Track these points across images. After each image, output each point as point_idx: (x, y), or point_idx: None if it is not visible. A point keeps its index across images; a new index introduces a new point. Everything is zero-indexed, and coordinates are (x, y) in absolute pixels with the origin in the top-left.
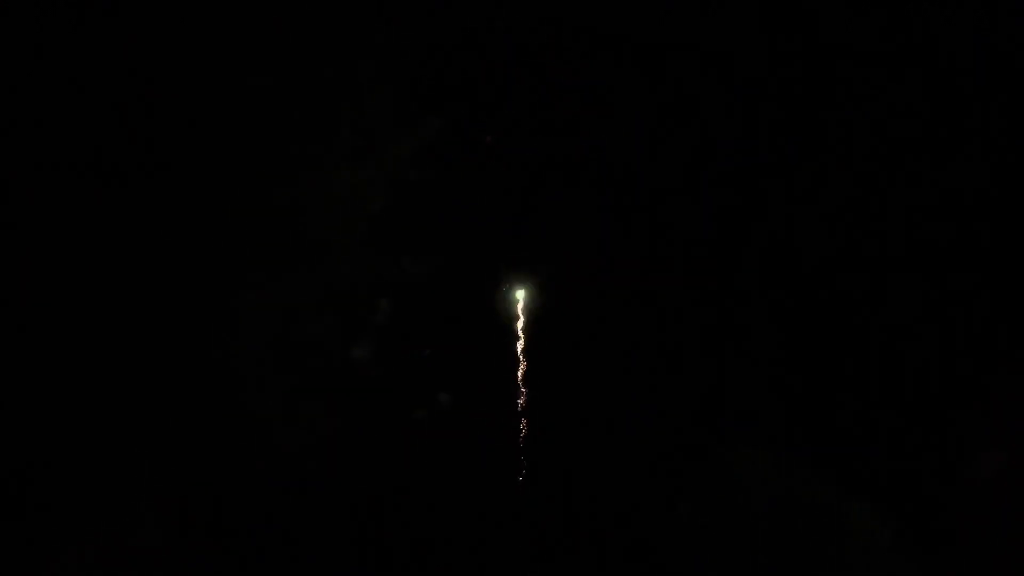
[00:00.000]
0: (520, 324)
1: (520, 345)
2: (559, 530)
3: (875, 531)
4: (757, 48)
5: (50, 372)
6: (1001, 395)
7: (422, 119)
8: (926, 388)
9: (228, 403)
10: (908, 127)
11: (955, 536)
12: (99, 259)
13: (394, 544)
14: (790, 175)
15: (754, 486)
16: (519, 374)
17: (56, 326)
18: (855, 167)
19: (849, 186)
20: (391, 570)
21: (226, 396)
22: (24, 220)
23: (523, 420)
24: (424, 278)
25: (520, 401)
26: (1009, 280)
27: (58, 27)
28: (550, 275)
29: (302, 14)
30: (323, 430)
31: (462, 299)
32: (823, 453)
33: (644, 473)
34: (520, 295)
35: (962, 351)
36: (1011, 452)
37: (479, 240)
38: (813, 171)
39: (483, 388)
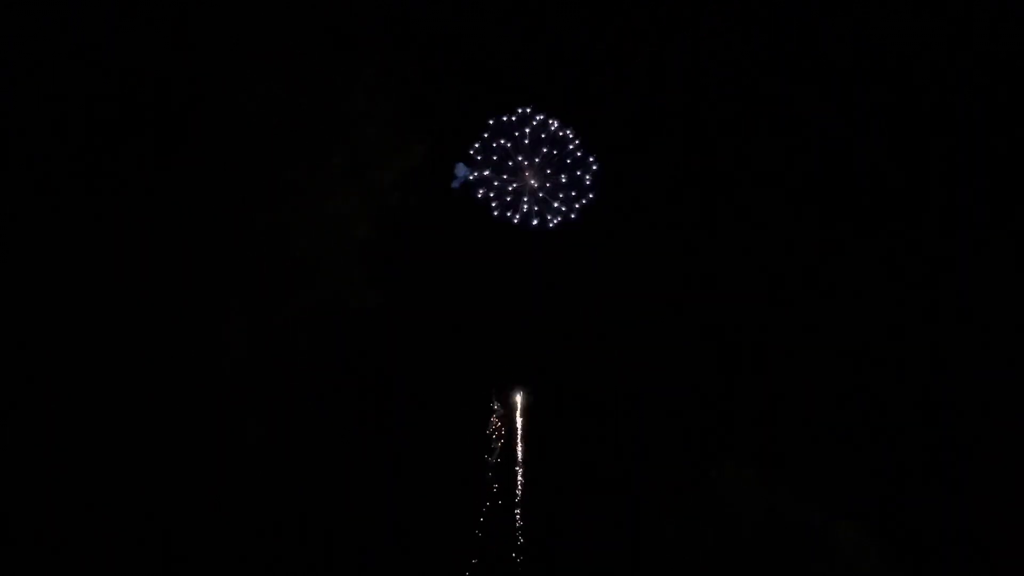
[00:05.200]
0: (509, 341)
1: (510, 361)
2: (546, 550)
3: (862, 549)
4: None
5: (48, 380)
6: (990, 413)
7: (408, 147)
8: (914, 406)
9: (214, 414)
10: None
11: (942, 554)
12: (92, 275)
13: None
14: (779, 185)
15: (740, 504)
16: (510, 390)
17: (53, 339)
18: (832, 172)
19: (844, 193)
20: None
21: (212, 407)
22: (20, 239)
23: (511, 438)
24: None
25: (507, 417)
26: (1005, 293)
27: (53, 49)
28: (539, 294)
29: (295, 45)
30: (305, 442)
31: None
32: (809, 471)
33: (631, 492)
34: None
35: (951, 368)
36: (999, 471)
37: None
38: (803, 180)
39: (470, 400)
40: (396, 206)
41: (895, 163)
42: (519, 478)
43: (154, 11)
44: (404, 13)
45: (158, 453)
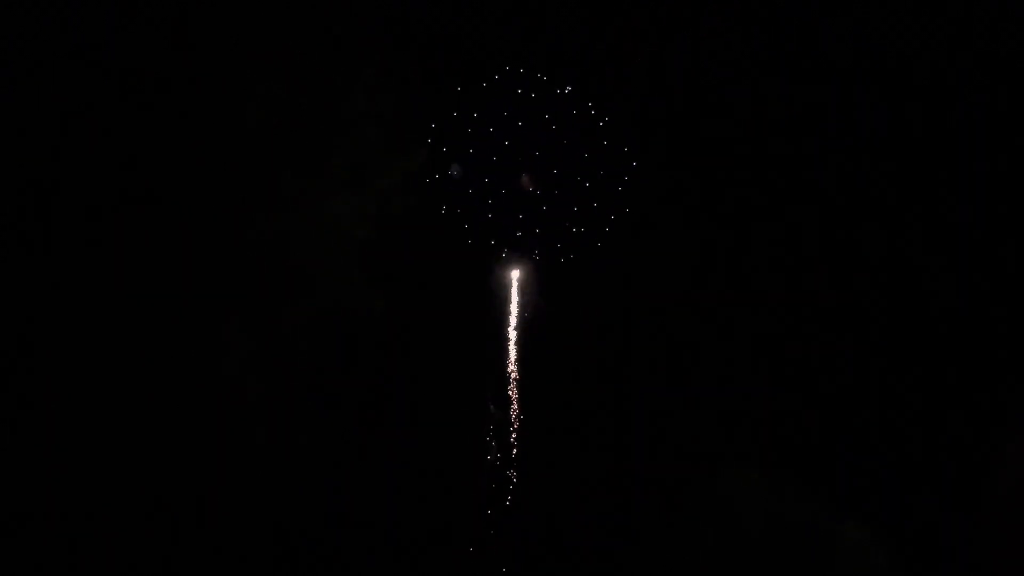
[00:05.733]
0: (511, 350)
1: (510, 368)
2: (548, 550)
3: (869, 551)
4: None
5: (47, 384)
6: (1000, 412)
7: (409, 151)
8: (922, 406)
9: (215, 420)
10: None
11: (952, 557)
12: (90, 278)
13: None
14: (790, 186)
15: (746, 506)
16: (508, 395)
17: (51, 344)
18: (839, 170)
19: (845, 192)
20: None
21: (214, 413)
22: (17, 242)
23: (512, 441)
24: (408, 305)
25: (509, 422)
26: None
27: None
28: (537, 299)
29: (294, 49)
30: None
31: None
32: (816, 472)
33: (636, 492)
34: (511, 317)
35: (960, 365)
36: (1009, 471)
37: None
38: (807, 186)
39: (471, 407)
40: (398, 209)
41: (895, 163)
42: (513, 479)
43: (154, 11)
44: (404, 13)
45: (158, 458)
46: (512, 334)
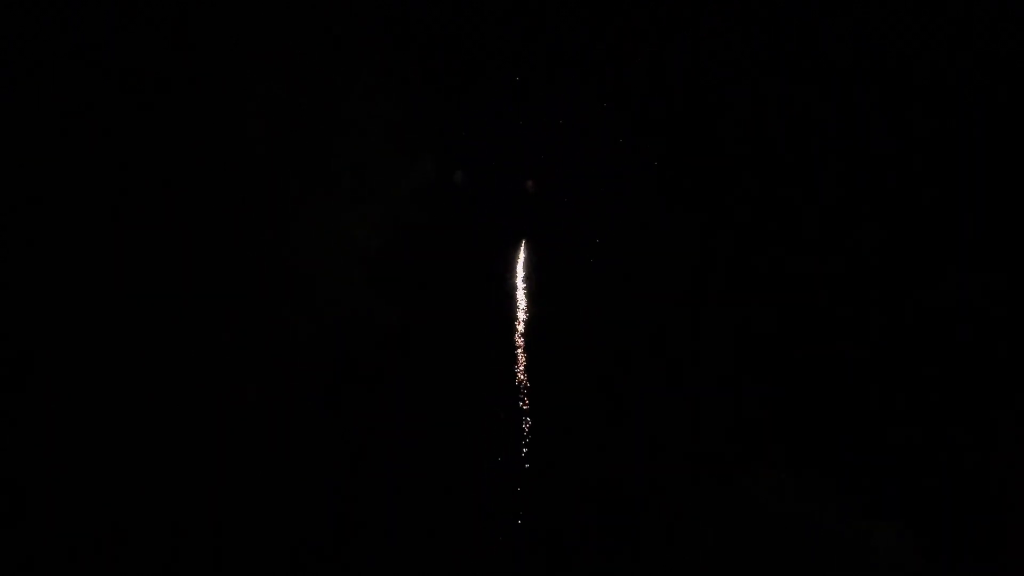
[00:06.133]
0: (520, 354)
1: (521, 373)
2: (565, 552)
3: (901, 555)
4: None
5: (47, 385)
6: (1005, 413)
7: (417, 160)
8: (952, 402)
9: (218, 423)
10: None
11: (986, 559)
12: (88, 281)
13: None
14: (795, 185)
15: (772, 508)
16: (515, 400)
17: (50, 347)
18: (839, 170)
19: (845, 192)
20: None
21: (216, 416)
22: (16, 244)
23: (516, 444)
24: (416, 315)
25: (515, 426)
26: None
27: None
28: (543, 306)
29: (299, 56)
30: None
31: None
32: (844, 473)
33: (658, 496)
34: (518, 325)
35: (988, 362)
36: (1013, 471)
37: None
38: (815, 185)
39: (476, 412)
40: (403, 214)
41: (896, 163)
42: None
43: (154, 11)
44: (406, 14)
45: (161, 460)
46: (519, 340)
